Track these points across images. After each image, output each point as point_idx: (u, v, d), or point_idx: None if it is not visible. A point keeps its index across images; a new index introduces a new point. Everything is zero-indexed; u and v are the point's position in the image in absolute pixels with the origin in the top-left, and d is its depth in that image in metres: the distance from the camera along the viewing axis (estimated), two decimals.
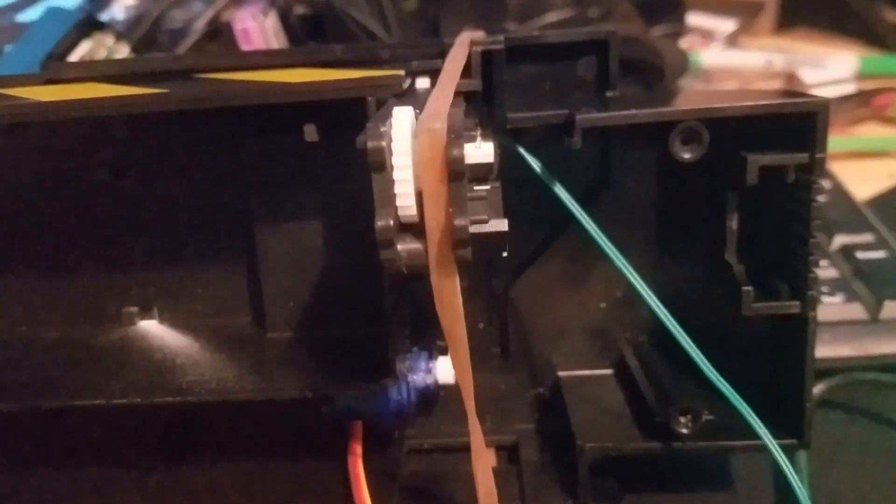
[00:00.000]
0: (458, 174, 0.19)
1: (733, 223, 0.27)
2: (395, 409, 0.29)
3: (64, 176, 0.29)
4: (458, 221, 0.20)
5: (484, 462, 0.25)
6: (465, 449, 0.28)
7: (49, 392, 0.26)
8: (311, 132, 0.26)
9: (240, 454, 0.29)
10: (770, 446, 0.23)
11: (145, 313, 0.29)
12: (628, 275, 0.24)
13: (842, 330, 0.33)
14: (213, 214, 0.29)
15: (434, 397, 0.30)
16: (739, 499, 0.30)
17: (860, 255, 0.37)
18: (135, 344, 0.28)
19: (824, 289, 0.34)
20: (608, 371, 0.31)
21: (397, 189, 0.20)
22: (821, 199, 0.24)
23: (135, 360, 0.27)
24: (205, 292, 0.29)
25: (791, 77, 0.54)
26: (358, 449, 0.28)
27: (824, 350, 0.32)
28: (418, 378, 0.29)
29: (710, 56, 0.56)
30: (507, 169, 0.25)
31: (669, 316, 0.24)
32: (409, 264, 0.21)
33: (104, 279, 0.29)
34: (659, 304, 0.24)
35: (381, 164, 0.20)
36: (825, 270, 0.36)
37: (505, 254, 0.22)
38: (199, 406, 0.27)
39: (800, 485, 0.23)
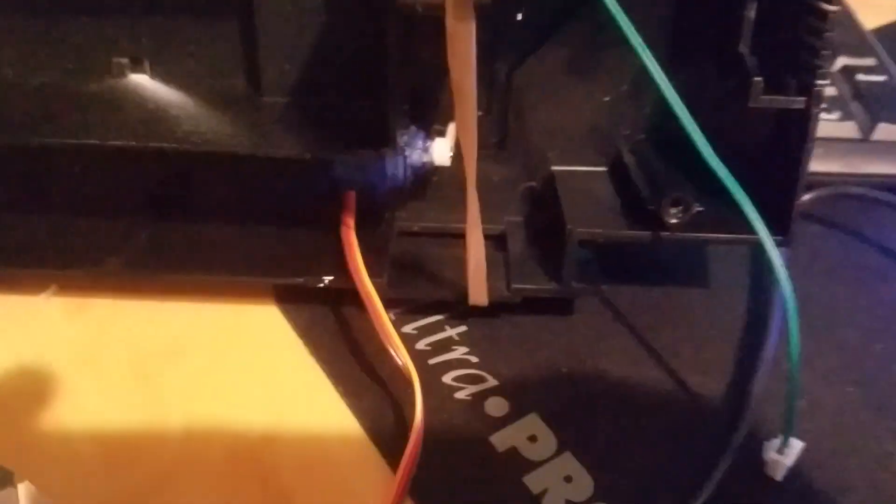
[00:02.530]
0: None
1: (751, 12, 0.26)
2: (390, 183, 0.29)
3: None
4: None
5: (477, 234, 0.26)
6: (455, 235, 0.29)
7: (41, 129, 0.26)
8: None
9: (232, 214, 0.29)
10: (763, 236, 0.23)
11: (136, 66, 0.28)
12: (640, 50, 0.23)
13: (834, 147, 0.34)
14: None
15: (427, 177, 0.30)
16: (714, 296, 0.31)
17: (860, 77, 0.36)
18: (126, 94, 0.27)
19: (822, 105, 0.34)
20: (603, 168, 0.31)
21: None
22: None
23: (128, 108, 0.26)
24: (198, 50, 0.28)
25: None
26: (351, 219, 0.28)
27: (815, 164, 0.32)
28: (415, 155, 0.29)
29: None
30: None
31: (676, 96, 0.23)
32: (425, 2, 0.20)
33: (95, 27, 0.27)
34: (667, 82, 0.23)
35: None
36: (825, 88, 0.36)
37: (520, 16, 0.21)
38: (194, 159, 0.26)
39: (786, 277, 0.23)
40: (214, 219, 0.30)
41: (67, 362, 0.28)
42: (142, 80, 0.28)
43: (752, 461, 0.25)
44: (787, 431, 0.24)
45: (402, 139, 0.28)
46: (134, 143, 0.25)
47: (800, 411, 0.25)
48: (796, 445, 0.25)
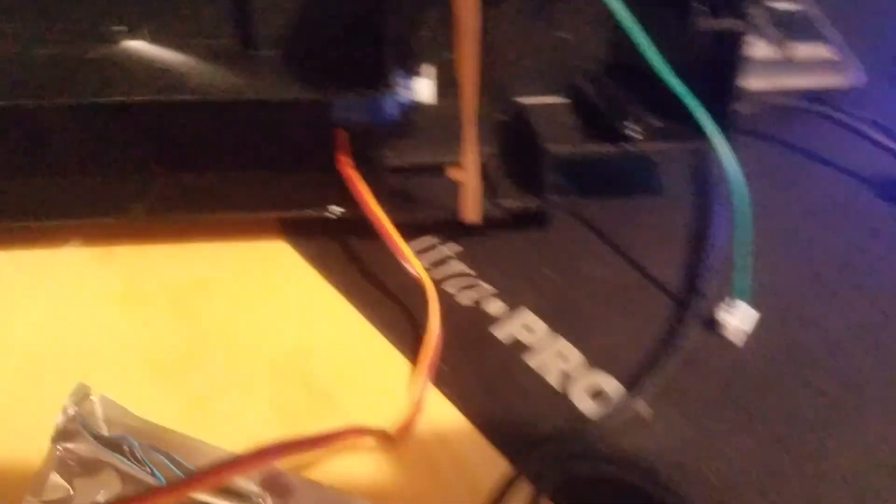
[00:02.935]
0: None
1: None
2: (381, 122, 0.32)
3: None
4: None
5: (473, 156, 0.29)
6: (439, 168, 0.33)
7: (56, 91, 0.28)
8: None
9: (237, 160, 0.32)
10: (711, 130, 0.28)
11: (135, 33, 0.30)
12: None
13: (757, 66, 0.38)
14: None
15: (411, 116, 0.33)
16: (667, 203, 0.36)
17: (776, 4, 0.42)
18: (130, 58, 0.30)
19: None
20: (567, 100, 0.35)
21: None
22: None
23: (133, 69, 0.29)
24: (193, 13, 0.30)
25: None
26: (347, 156, 0.31)
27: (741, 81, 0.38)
28: (403, 94, 0.32)
29: None
30: None
31: (633, 20, 0.27)
32: None
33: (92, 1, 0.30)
34: (625, 10, 0.27)
35: None
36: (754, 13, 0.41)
37: None
38: (199, 111, 0.29)
39: (737, 171, 0.28)
40: (222, 165, 0.33)
41: (106, 301, 0.31)
42: (142, 46, 0.30)
43: (711, 328, 0.30)
44: (737, 291, 0.29)
45: (394, 79, 0.31)
46: (138, 97, 0.28)
47: (748, 288, 0.30)
48: (749, 312, 0.30)
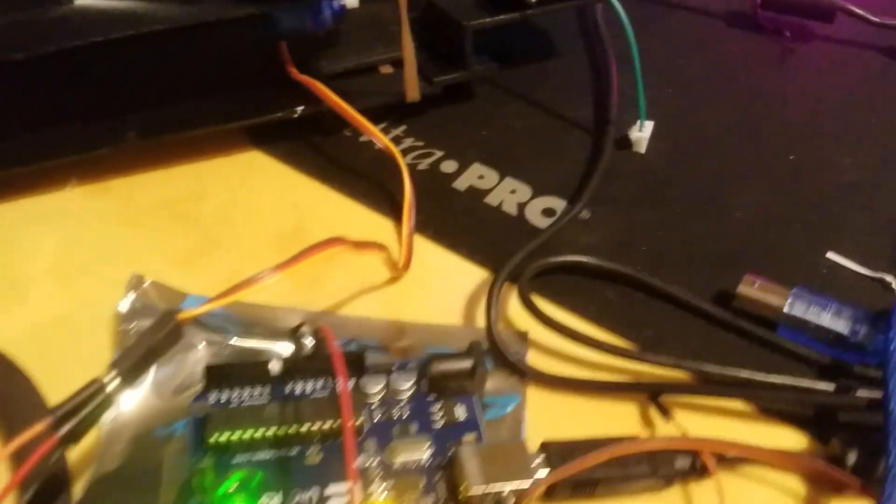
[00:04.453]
0: None
1: None
2: (316, 29, 0.37)
3: None
4: None
5: (408, 38, 0.35)
6: (373, 67, 0.38)
7: (17, 45, 0.32)
8: None
9: (195, 84, 0.36)
10: None
11: None
12: None
13: None
14: None
15: (343, 21, 0.38)
16: (565, 60, 0.43)
17: None
18: (78, 13, 0.34)
19: None
20: None
21: None
22: None
23: (83, 18, 0.33)
24: None
25: None
26: (291, 65, 0.36)
27: None
28: (333, 2, 0.37)
29: None
30: None
31: None
32: None
33: None
34: None
35: None
36: None
37: None
38: (152, 43, 0.33)
39: (625, 16, 0.35)
40: (188, 91, 0.37)
41: (112, 224, 0.35)
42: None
43: (622, 145, 0.37)
44: (639, 113, 0.37)
45: None
46: (104, 37, 0.32)
47: (643, 109, 0.37)
48: (647, 127, 0.37)
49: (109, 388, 0.23)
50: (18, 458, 0.23)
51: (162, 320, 0.24)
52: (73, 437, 0.23)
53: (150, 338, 0.23)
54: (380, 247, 0.33)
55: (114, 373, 0.23)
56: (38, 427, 0.22)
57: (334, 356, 0.27)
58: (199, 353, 0.29)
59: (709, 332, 0.30)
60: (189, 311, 0.25)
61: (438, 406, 0.28)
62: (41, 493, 0.25)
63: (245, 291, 0.26)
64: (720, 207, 0.35)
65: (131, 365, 0.23)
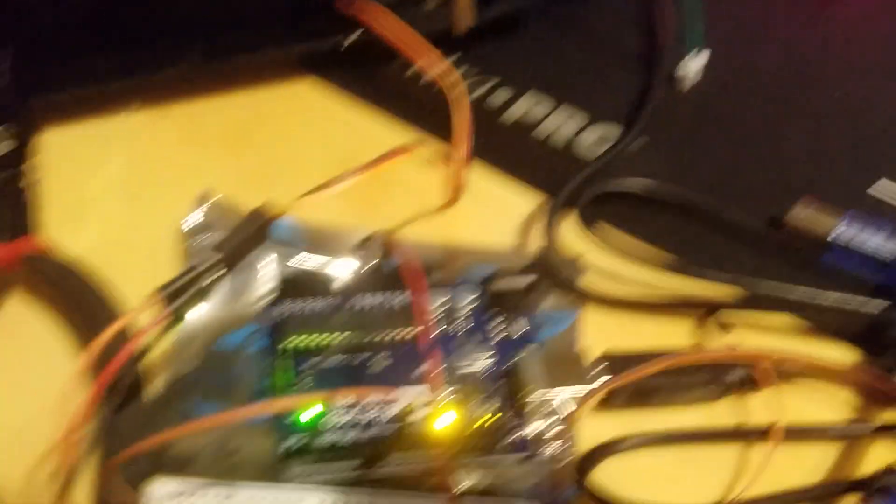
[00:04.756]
0: None
1: None
2: None
3: None
4: None
5: None
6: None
7: None
8: None
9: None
10: None
11: None
12: None
13: None
14: None
15: None
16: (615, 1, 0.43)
17: None
18: None
19: None
20: None
21: None
22: None
23: None
24: None
25: None
26: None
27: None
28: None
29: None
30: None
31: None
32: None
33: None
34: None
35: None
36: None
37: None
38: None
39: None
40: (243, 18, 0.37)
41: (172, 145, 0.36)
42: None
43: (676, 75, 0.38)
44: (692, 43, 0.37)
45: None
46: None
47: (700, 39, 0.37)
48: (702, 57, 0.37)
49: (213, 271, 0.24)
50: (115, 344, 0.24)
51: (254, 215, 0.25)
52: (180, 315, 0.24)
53: (246, 228, 0.24)
54: (444, 161, 0.33)
55: (217, 255, 0.24)
56: (151, 299, 0.23)
57: (406, 264, 0.28)
58: (268, 266, 0.31)
59: (762, 255, 0.31)
60: (280, 207, 0.26)
61: (498, 321, 0.29)
62: (119, 391, 0.26)
63: (329, 191, 0.26)
64: (772, 138, 0.36)
65: (231, 250, 0.24)
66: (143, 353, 0.26)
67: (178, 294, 0.23)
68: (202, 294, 0.24)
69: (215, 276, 0.24)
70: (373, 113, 0.37)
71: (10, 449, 0.27)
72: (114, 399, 0.26)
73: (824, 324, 0.28)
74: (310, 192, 0.27)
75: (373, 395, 0.26)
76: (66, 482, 0.22)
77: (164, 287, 0.23)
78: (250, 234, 0.24)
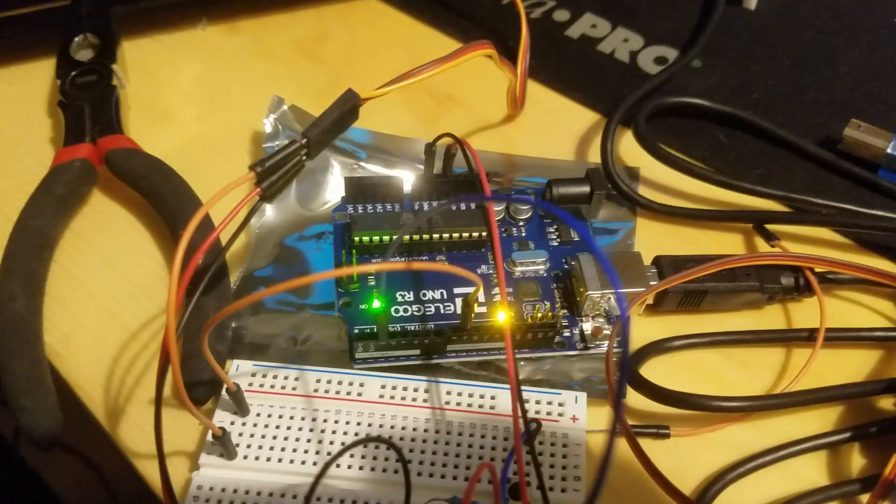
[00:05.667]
0: None
1: None
2: None
3: None
4: None
5: None
6: None
7: None
8: None
9: None
10: None
11: None
12: None
13: None
14: None
15: None
16: None
17: None
18: None
19: None
20: None
21: None
22: None
23: None
24: None
25: None
26: None
27: None
28: None
29: None
30: None
31: None
32: None
33: None
34: None
35: None
36: None
37: None
38: None
39: None
40: None
41: (245, 58, 0.37)
42: None
43: (735, 2, 0.38)
44: None
45: None
46: None
47: None
48: None
49: (301, 153, 0.25)
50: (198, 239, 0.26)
51: (344, 98, 0.26)
52: (270, 195, 0.25)
53: (334, 112, 0.26)
54: (506, 74, 0.34)
55: (305, 140, 0.26)
56: (245, 176, 0.24)
57: (469, 171, 0.29)
58: (334, 172, 0.32)
59: (814, 172, 0.32)
60: (368, 94, 0.27)
61: (555, 227, 0.30)
62: (205, 275, 0.28)
63: (409, 80, 0.28)
64: (828, 61, 0.36)
65: (319, 133, 0.25)
66: (228, 243, 0.27)
67: (268, 174, 0.25)
68: (289, 175, 0.25)
69: (301, 158, 0.26)
70: (432, 31, 0.38)
71: (104, 331, 0.29)
72: (200, 283, 0.27)
73: (869, 238, 0.29)
74: (389, 83, 0.28)
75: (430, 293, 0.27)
76: (161, 361, 0.24)
77: (256, 164, 0.25)
78: (335, 119, 0.26)
